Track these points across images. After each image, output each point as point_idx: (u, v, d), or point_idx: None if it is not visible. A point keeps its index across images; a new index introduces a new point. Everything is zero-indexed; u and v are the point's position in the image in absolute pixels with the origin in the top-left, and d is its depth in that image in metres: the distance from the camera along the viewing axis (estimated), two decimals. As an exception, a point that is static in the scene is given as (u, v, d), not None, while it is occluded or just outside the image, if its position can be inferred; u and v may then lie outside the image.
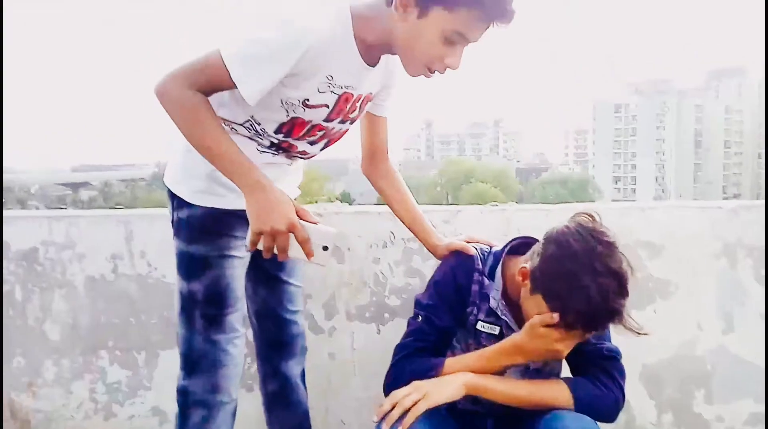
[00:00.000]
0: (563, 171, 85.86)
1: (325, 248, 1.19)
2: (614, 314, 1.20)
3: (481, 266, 1.44)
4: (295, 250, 1.18)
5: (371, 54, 1.29)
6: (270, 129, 1.31)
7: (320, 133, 1.36)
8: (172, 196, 1.39)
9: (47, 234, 1.88)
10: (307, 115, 1.29)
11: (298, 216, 1.18)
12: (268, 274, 1.52)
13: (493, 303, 1.40)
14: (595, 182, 71.42)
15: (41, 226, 1.89)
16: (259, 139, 1.35)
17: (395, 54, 1.28)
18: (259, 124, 1.31)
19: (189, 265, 1.37)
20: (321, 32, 1.18)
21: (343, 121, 1.36)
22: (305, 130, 1.33)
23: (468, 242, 1.53)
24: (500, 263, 1.43)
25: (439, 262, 1.53)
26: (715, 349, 1.86)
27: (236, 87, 1.19)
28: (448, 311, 1.41)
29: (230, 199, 1.32)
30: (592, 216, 1.28)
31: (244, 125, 1.32)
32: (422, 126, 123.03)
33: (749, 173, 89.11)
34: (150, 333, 1.90)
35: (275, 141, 1.35)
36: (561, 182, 64.42)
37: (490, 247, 1.50)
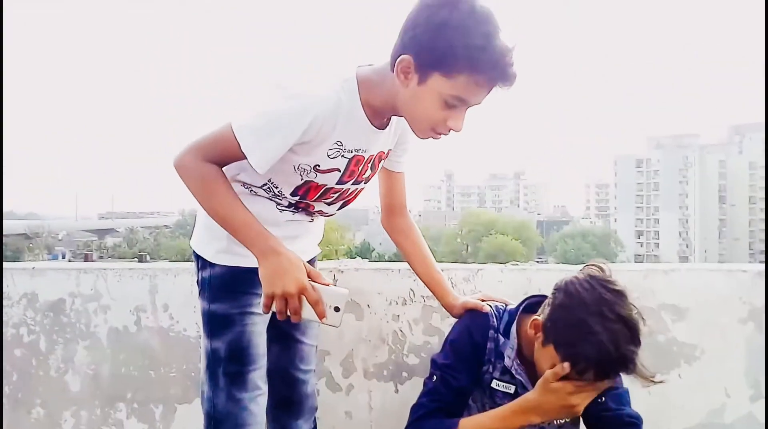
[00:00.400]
0: (585, 224, 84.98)
1: (337, 309, 1.21)
2: (626, 361, 1.20)
3: (496, 324, 1.45)
4: (307, 312, 1.21)
5: (380, 117, 1.33)
6: (287, 191, 1.36)
7: (335, 195, 1.40)
8: (197, 257, 1.44)
9: (75, 286, 1.93)
10: (320, 179, 1.34)
11: (309, 278, 1.21)
12: (282, 331, 1.53)
13: (507, 361, 1.40)
14: (618, 236, 70.47)
15: (69, 277, 1.93)
16: (278, 200, 1.39)
17: (402, 116, 1.32)
18: (276, 187, 1.36)
19: (212, 324, 1.41)
20: (327, 102, 1.23)
21: (357, 182, 1.40)
22: (320, 192, 1.37)
23: (483, 300, 1.55)
24: (515, 321, 1.44)
25: (456, 320, 1.54)
26: (744, 417, 1.80)
27: (245, 157, 1.25)
28: (464, 370, 1.42)
29: (251, 258, 1.35)
30: (601, 267, 1.30)
31: (263, 188, 1.37)
32: (443, 177, 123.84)
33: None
34: (169, 386, 1.90)
35: (293, 201, 1.39)
36: (582, 235, 63.80)
37: (506, 305, 1.51)
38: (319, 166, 1.31)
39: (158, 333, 1.91)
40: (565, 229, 72.94)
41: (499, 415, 1.34)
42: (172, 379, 1.90)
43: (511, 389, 1.40)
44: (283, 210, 1.42)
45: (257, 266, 1.27)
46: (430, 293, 1.74)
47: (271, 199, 1.40)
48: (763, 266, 1.85)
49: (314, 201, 1.40)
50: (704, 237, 79.48)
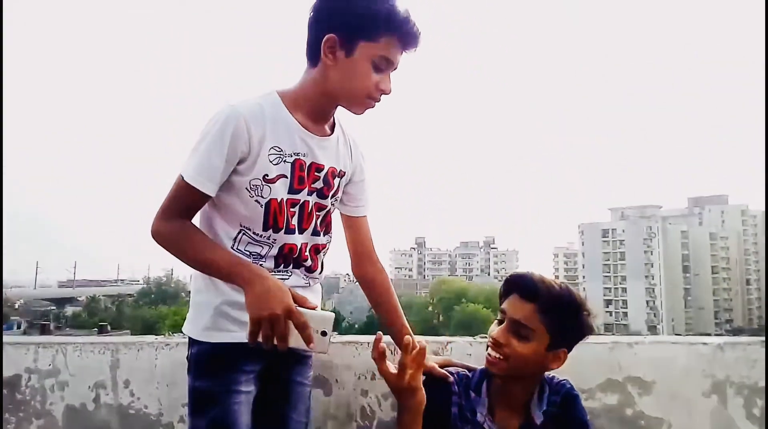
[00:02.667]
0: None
1: (324, 333, 1.22)
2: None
3: (457, 389, 1.53)
4: (294, 339, 1.21)
5: (315, 119, 1.42)
6: (258, 229, 1.39)
7: (299, 212, 1.42)
8: (187, 336, 1.46)
9: (32, 361, 1.86)
10: (274, 192, 1.37)
11: (295, 302, 1.23)
12: (270, 404, 1.50)
13: (480, 417, 1.47)
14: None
15: (28, 352, 1.86)
16: (261, 253, 1.40)
17: (338, 106, 1.42)
18: (249, 229, 1.39)
19: (196, 401, 1.40)
20: (247, 108, 1.33)
21: (310, 193, 1.43)
22: (285, 216, 1.39)
23: (446, 365, 1.61)
24: (485, 379, 1.53)
25: None
26: (715, 494, 1.79)
27: (198, 191, 1.31)
28: None
29: (236, 334, 1.38)
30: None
31: (240, 238, 1.39)
32: (413, 245, 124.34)
33: (739, 299, 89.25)
34: (126, 468, 1.81)
35: (274, 246, 1.40)
36: (553, 305, 63.79)
37: (469, 370, 1.60)
38: (267, 175, 1.36)
39: (117, 411, 1.83)
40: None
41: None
42: (129, 460, 1.81)
43: None
44: (276, 272, 1.43)
45: (243, 341, 1.28)
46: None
47: (257, 261, 1.40)
48: (723, 339, 1.90)
49: (288, 232, 1.41)
50: (671, 306, 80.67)
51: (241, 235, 1.39)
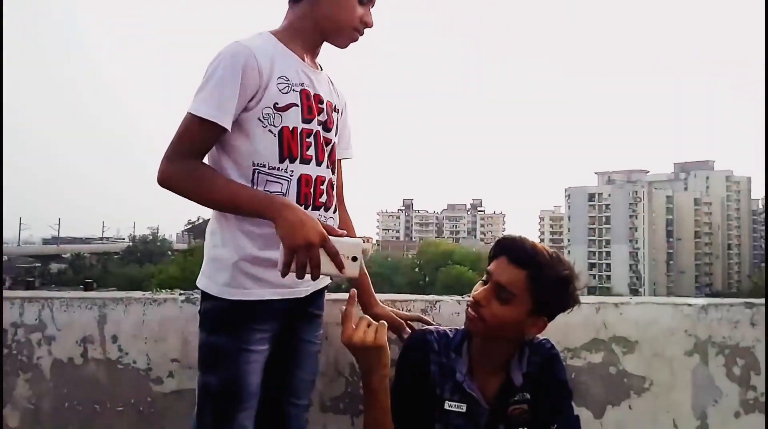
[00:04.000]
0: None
1: (354, 259, 1.24)
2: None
3: (436, 347, 1.53)
4: (326, 266, 1.23)
5: (305, 52, 1.45)
6: (274, 162, 1.36)
7: (314, 145, 1.42)
8: (200, 289, 1.43)
9: (18, 316, 1.84)
10: (286, 120, 1.36)
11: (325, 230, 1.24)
12: (279, 366, 1.50)
13: (459, 376, 1.48)
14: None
15: (13, 306, 1.85)
16: (282, 190, 1.37)
17: (324, 41, 1.46)
18: (264, 166, 1.36)
19: (207, 357, 1.39)
20: (250, 45, 1.34)
21: (320, 125, 1.44)
22: (299, 144, 1.38)
23: (416, 320, 1.72)
24: (468, 339, 1.53)
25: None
26: (692, 449, 1.84)
27: (213, 128, 1.29)
28: (414, 389, 1.51)
29: (254, 292, 1.36)
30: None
31: (256, 179, 1.36)
32: (401, 207, 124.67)
33: (720, 264, 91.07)
34: (114, 422, 1.82)
35: (292, 180, 1.38)
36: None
37: (448, 329, 1.61)
38: (277, 103, 1.36)
39: (106, 365, 1.83)
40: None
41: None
42: (118, 414, 1.82)
43: (463, 408, 1.46)
44: None
45: (259, 299, 1.31)
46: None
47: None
48: (706, 300, 1.93)
49: (303, 162, 1.39)
50: (653, 270, 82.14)
51: (257, 174, 1.36)
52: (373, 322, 1.53)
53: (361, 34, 1.45)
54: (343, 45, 1.47)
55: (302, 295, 1.46)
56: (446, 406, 1.47)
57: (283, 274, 1.24)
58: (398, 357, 1.55)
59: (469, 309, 1.49)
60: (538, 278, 1.42)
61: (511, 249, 1.46)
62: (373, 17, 1.47)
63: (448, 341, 1.55)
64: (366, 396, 1.53)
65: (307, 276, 1.24)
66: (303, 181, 1.39)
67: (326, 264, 1.23)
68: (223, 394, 1.35)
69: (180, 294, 1.88)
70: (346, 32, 1.44)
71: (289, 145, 1.37)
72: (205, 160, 1.37)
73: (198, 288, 1.43)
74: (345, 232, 1.30)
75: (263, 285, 1.35)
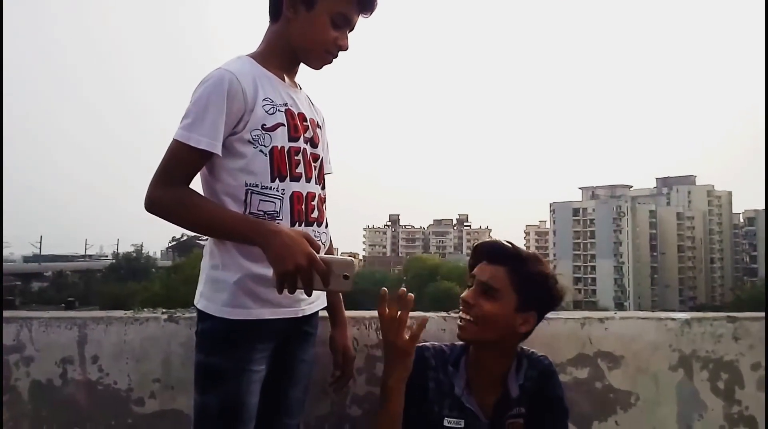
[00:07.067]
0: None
1: (346, 277, 1.26)
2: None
3: (434, 363, 1.55)
4: (318, 284, 1.26)
5: (286, 76, 1.47)
6: (266, 181, 1.37)
7: (303, 163, 1.43)
8: (198, 310, 1.42)
9: (-5, 336, 1.80)
10: (274, 140, 1.38)
11: (313, 248, 1.26)
12: (273, 386, 1.48)
13: (458, 390, 1.50)
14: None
15: (-10, 327, 1.80)
16: (275, 209, 1.37)
17: (300, 62, 1.48)
18: (257, 186, 1.36)
19: (205, 378, 1.37)
20: (232, 69, 1.34)
21: (306, 142, 1.45)
22: (287, 162, 1.39)
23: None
24: (464, 354, 1.55)
25: None
26: (678, 464, 1.84)
27: (202, 154, 1.30)
28: (412, 408, 1.51)
29: (254, 311, 1.36)
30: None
31: (249, 200, 1.36)
32: (388, 222, 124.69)
33: (702, 277, 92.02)
34: (95, 444, 1.78)
35: (284, 198, 1.38)
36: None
37: (446, 345, 1.62)
38: (265, 124, 1.37)
39: (86, 387, 1.79)
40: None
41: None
42: (98, 436, 1.78)
43: (462, 423, 1.47)
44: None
45: (258, 318, 1.32)
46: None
47: (273, 220, 1.37)
48: (689, 315, 1.94)
49: (294, 180, 1.40)
50: (638, 284, 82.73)
51: (250, 194, 1.36)
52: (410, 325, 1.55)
53: (335, 56, 1.45)
54: (316, 66, 1.48)
55: (300, 315, 1.46)
56: (445, 423, 1.49)
57: (279, 292, 1.26)
58: None
59: (461, 313, 1.51)
60: (519, 271, 1.48)
61: (489, 251, 1.53)
62: (359, 35, 1.48)
63: (445, 357, 1.57)
64: (380, 393, 1.55)
65: (307, 295, 1.29)
66: (295, 198, 1.41)
67: (318, 282, 1.26)
68: (224, 415, 1.33)
69: (162, 312, 1.86)
70: (317, 54, 1.45)
71: (278, 165, 1.38)
72: (196, 179, 1.38)
73: (196, 307, 1.42)
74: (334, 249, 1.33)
75: (264, 304, 1.35)
